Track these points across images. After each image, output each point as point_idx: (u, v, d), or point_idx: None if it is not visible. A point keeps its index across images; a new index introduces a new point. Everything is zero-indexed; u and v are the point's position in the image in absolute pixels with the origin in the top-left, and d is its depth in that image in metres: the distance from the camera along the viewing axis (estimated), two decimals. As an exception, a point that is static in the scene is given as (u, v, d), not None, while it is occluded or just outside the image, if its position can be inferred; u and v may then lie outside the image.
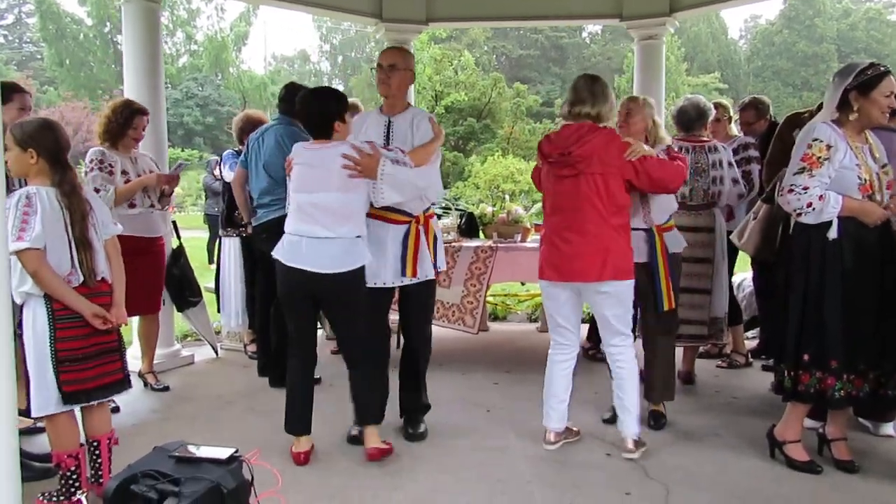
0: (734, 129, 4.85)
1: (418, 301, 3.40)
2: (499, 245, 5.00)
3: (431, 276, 3.35)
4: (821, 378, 2.90)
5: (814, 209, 2.85)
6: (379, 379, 3.35)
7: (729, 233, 4.31)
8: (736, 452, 3.29)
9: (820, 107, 4.10)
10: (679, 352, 4.36)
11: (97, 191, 3.79)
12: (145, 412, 3.93)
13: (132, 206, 4.08)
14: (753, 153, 4.59)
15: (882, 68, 2.91)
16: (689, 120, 4.15)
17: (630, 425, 3.23)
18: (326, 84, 50.38)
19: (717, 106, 4.77)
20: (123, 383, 2.76)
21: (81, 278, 2.64)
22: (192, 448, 2.15)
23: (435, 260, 3.36)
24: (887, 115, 2.92)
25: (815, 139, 2.87)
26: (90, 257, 2.67)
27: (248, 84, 38.89)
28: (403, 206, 3.21)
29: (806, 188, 2.85)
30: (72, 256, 2.62)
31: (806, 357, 2.92)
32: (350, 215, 3.04)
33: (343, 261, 3.01)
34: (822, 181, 2.85)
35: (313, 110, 3.14)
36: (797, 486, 2.94)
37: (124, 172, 4.05)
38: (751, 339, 5.30)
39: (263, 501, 2.30)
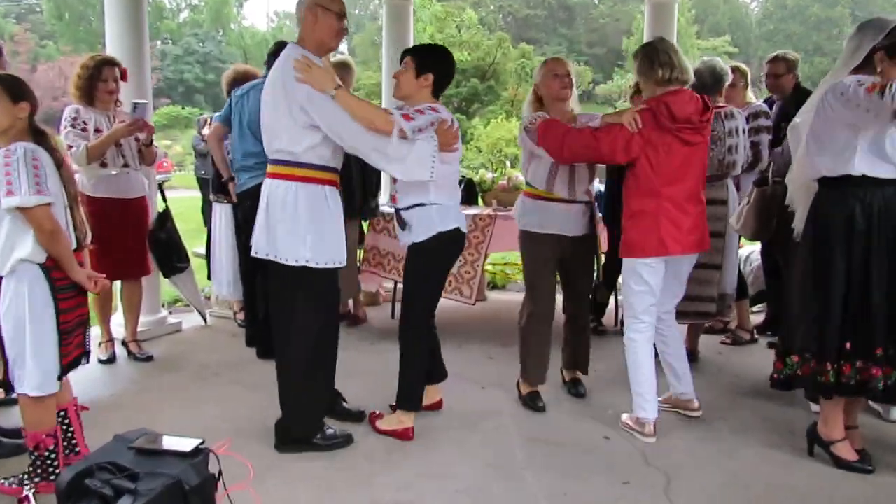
0: (750, 95, 4.60)
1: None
2: (498, 213, 4.81)
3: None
4: (862, 368, 2.67)
5: None
6: None
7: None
8: (739, 437, 3.14)
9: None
10: (682, 328, 4.23)
11: (70, 147, 3.61)
12: (124, 382, 3.79)
13: (104, 165, 3.87)
14: (764, 122, 4.35)
15: None
16: (704, 85, 3.88)
17: (689, 385, 3.35)
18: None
19: (735, 70, 4.50)
20: (87, 355, 2.63)
21: (75, 243, 2.50)
22: (154, 438, 2.00)
23: None
24: None
25: (859, 82, 2.54)
26: (81, 217, 2.54)
27: (250, 41, 38.32)
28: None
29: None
30: (66, 220, 2.48)
31: (848, 346, 2.68)
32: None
33: None
34: None
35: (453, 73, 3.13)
36: (806, 473, 2.80)
37: (98, 130, 3.84)
38: (756, 314, 5.13)
39: (234, 495, 2.14)
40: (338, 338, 3.04)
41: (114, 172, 3.91)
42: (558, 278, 3.60)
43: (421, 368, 3.10)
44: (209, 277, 5.10)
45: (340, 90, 2.72)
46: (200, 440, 1.97)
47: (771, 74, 4.55)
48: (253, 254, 2.91)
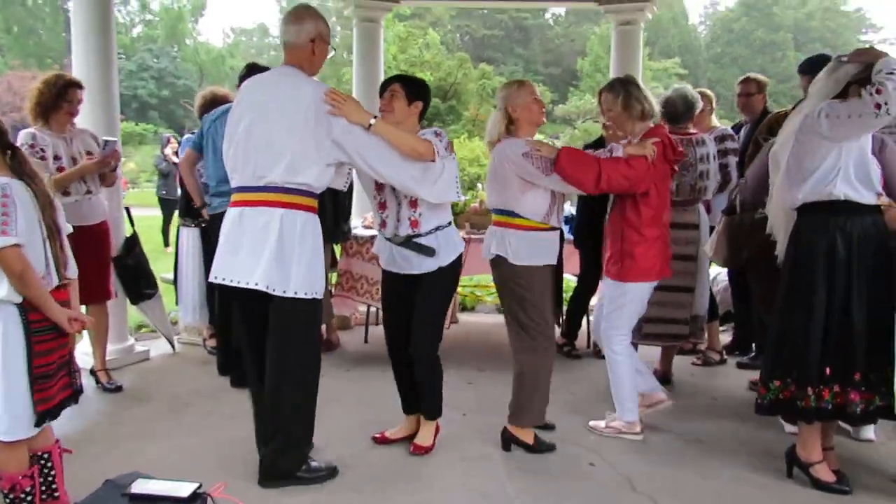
0: (715, 119, 4.74)
1: None
2: (472, 236, 4.81)
3: None
4: (839, 392, 2.75)
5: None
6: None
7: (710, 227, 4.21)
8: (720, 459, 3.19)
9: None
10: (657, 350, 4.29)
11: None
12: (95, 415, 3.65)
13: (66, 193, 3.73)
14: (731, 145, 4.48)
15: None
16: (677, 113, 3.99)
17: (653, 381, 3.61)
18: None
19: (701, 96, 4.64)
20: (76, 396, 2.51)
21: (56, 281, 2.35)
22: (146, 482, 1.92)
23: None
24: None
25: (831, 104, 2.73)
26: (62, 252, 2.40)
27: (206, 57, 37.84)
28: None
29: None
30: (45, 255, 2.32)
31: (827, 371, 2.75)
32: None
33: None
34: None
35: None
36: (786, 495, 2.85)
37: (57, 157, 3.73)
38: (722, 333, 5.23)
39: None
40: None
41: (76, 200, 3.80)
42: None
43: (441, 382, 3.23)
44: (176, 303, 4.98)
45: (378, 120, 2.72)
46: (197, 484, 1.90)
47: (742, 94, 4.70)
48: (263, 287, 2.66)
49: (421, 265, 3.00)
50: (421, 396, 3.23)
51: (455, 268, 3.10)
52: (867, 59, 2.69)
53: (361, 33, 6.30)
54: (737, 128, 4.86)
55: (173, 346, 4.82)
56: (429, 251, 2.95)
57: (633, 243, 3.25)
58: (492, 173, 3.24)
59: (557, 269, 3.54)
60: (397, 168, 2.73)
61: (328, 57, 2.89)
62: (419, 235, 2.97)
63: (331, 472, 2.94)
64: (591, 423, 3.53)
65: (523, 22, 43.96)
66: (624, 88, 3.33)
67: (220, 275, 2.78)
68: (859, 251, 2.70)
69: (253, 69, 4.12)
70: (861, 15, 44.69)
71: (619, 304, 3.36)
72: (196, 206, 4.31)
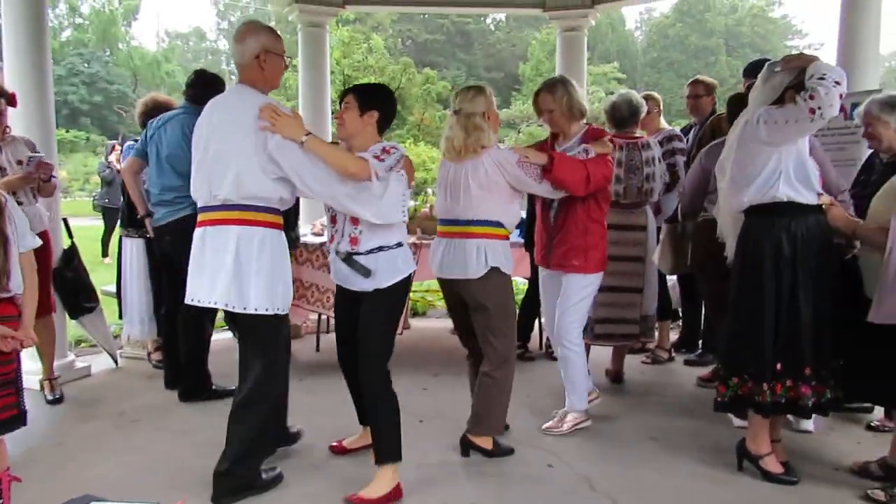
0: (663, 121, 4.85)
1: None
2: (423, 242, 4.80)
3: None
4: (791, 387, 2.85)
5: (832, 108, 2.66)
6: None
7: (658, 229, 4.32)
8: (674, 455, 3.26)
9: (731, 108, 4.17)
10: (608, 350, 4.37)
11: None
12: (36, 435, 3.47)
13: None
14: (678, 145, 4.62)
15: None
16: (623, 117, 4.09)
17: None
18: (227, 65, 48.52)
19: (648, 99, 4.75)
20: (19, 419, 2.38)
21: None
22: (103, 506, 1.84)
23: None
24: None
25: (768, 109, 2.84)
26: (6, 263, 2.30)
27: (140, 61, 36.75)
28: None
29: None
30: None
31: (779, 366, 2.85)
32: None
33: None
34: None
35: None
36: (739, 488, 2.93)
37: None
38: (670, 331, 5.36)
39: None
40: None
41: None
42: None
43: (397, 417, 2.87)
44: (120, 317, 4.80)
45: (311, 137, 2.64)
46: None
47: (691, 96, 4.82)
48: (223, 306, 2.68)
49: (357, 284, 2.85)
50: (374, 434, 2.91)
51: (396, 292, 2.84)
52: (798, 65, 2.81)
53: (307, 38, 6.23)
54: (687, 129, 4.98)
55: (116, 361, 4.65)
56: (364, 271, 2.79)
57: (598, 236, 3.41)
58: (476, 182, 3.08)
59: None
60: (332, 187, 2.63)
61: (285, 67, 2.85)
62: (358, 254, 2.80)
63: (277, 478, 2.92)
64: (545, 425, 3.55)
65: (465, 27, 44.26)
66: (566, 89, 3.40)
67: (189, 295, 2.78)
68: (804, 250, 2.81)
69: (202, 75, 4.04)
70: (787, 22, 46.58)
71: (584, 296, 3.48)
72: (139, 216, 4.16)
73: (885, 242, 2.65)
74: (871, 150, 3.48)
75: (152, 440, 3.43)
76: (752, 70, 3.80)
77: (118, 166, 7.81)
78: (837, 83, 2.63)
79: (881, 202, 2.85)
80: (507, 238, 3.19)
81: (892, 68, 43.65)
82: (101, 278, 5.44)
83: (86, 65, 35.95)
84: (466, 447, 3.24)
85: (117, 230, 4.99)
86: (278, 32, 2.90)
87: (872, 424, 3.57)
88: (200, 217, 2.77)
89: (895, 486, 2.78)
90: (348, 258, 2.81)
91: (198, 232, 2.77)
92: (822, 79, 2.64)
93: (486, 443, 3.23)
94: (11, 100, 3.75)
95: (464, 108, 3.12)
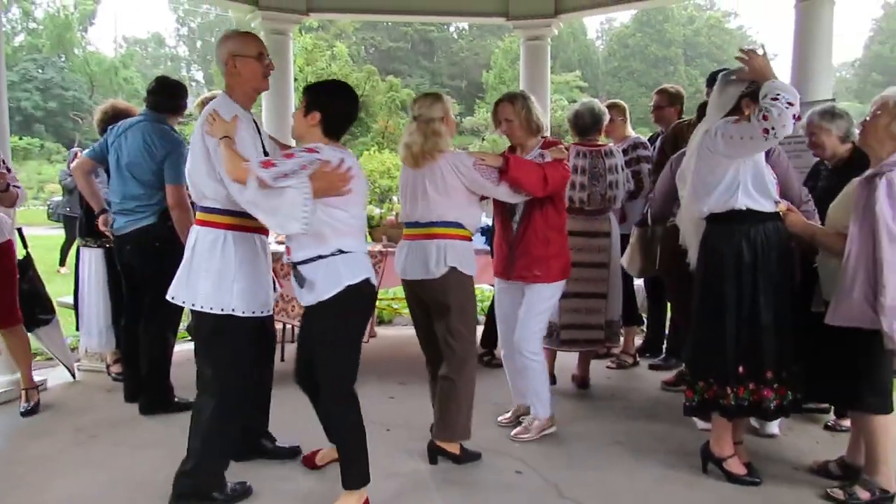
0: (629, 129, 4.92)
1: None
2: (389, 249, 4.78)
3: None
4: (754, 390, 2.91)
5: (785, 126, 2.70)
6: None
7: (622, 235, 4.37)
8: (641, 459, 3.29)
9: (700, 116, 4.25)
10: (574, 356, 4.40)
11: None
12: (-10, 453, 3.37)
13: None
14: (643, 153, 4.68)
15: None
16: (585, 125, 4.14)
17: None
18: (187, 71, 47.84)
19: (613, 107, 4.82)
20: None
21: None
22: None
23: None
24: None
25: (727, 122, 2.89)
26: None
27: (97, 67, 36.02)
28: None
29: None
30: None
31: (741, 370, 2.91)
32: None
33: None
34: None
35: (353, 111, 2.85)
36: (705, 490, 2.97)
37: None
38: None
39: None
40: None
41: None
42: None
43: (361, 439, 2.74)
44: (77, 328, 4.68)
45: (224, 140, 2.59)
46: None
47: (655, 106, 4.88)
48: (171, 298, 2.77)
49: (302, 297, 2.71)
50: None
51: (342, 304, 2.62)
52: (752, 77, 2.87)
53: (270, 46, 6.10)
54: (654, 138, 5.05)
55: (73, 374, 4.52)
56: (300, 280, 2.67)
57: (558, 245, 3.42)
58: (433, 186, 3.11)
59: None
60: (240, 192, 2.53)
61: (266, 66, 2.85)
62: (297, 263, 2.67)
63: (245, 492, 2.87)
64: (513, 433, 3.56)
65: (428, 35, 44.44)
66: (525, 103, 3.44)
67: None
68: (764, 256, 2.87)
69: (164, 82, 3.97)
70: (743, 32, 47.87)
71: (547, 307, 3.49)
72: (95, 213, 4.06)
73: (843, 248, 2.72)
74: (817, 158, 3.65)
75: (112, 455, 3.33)
76: (713, 80, 3.88)
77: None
78: (790, 104, 2.68)
79: (839, 208, 2.92)
80: (469, 239, 3.22)
81: (842, 78, 45.12)
82: (57, 289, 5.31)
83: (40, 70, 35.12)
84: (434, 453, 3.23)
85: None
86: (253, 34, 2.92)
87: (829, 424, 3.66)
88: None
89: (854, 485, 2.84)
90: (293, 268, 2.71)
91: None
92: (775, 99, 2.69)
93: (453, 448, 3.23)
94: None
95: (423, 114, 3.15)
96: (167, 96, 3.87)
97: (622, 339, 4.76)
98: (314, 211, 2.51)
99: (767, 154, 3.18)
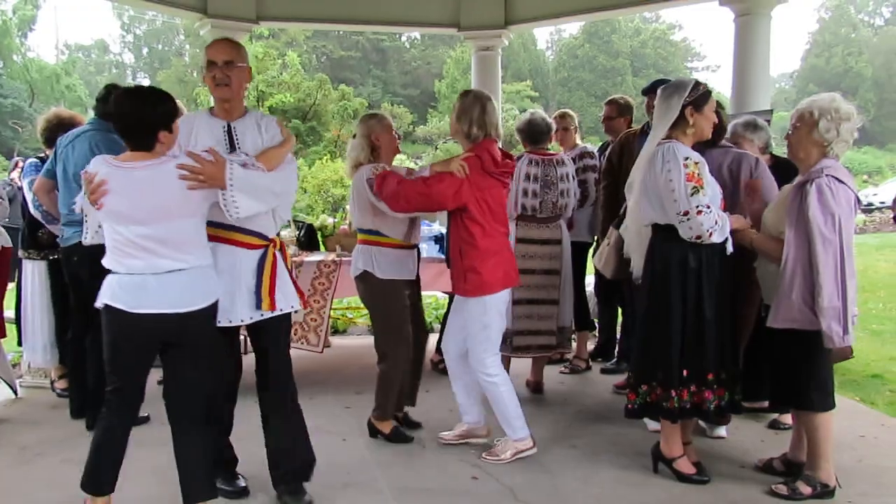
0: (577, 138, 5.01)
1: (276, 335, 2.90)
2: (343, 258, 4.77)
3: (296, 306, 2.90)
4: (695, 392, 3.00)
5: (719, 226, 2.89)
6: (210, 442, 2.74)
7: (572, 243, 4.45)
8: (594, 462, 3.36)
9: (646, 125, 4.38)
10: (528, 362, 4.45)
11: None
12: (-74, 476, 3.23)
13: None
14: (590, 162, 4.78)
15: (703, 85, 3.02)
16: (540, 132, 4.22)
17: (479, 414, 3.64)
18: (133, 78, 46.77)
19: (565, 115, 4.92)
20: None
21: None
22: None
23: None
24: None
25: (686, 157, 2.91)
26: None
27: (38, 74, 34.86)
28: (255, 225, 2.78)
29: (709, 206, 2.87)
30: None
31: (685, 373, 3.00)
32: (198, 240, 2.57)
33: (200, 295, 2.53)
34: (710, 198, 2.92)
35: (128, 114, 2.50)
36: (656, 489, 3.06)
37: None
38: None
39: None
40: None
41: None
42: None
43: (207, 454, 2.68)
44: (19, 343, 4.53)
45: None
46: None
47: (605, 117, 4.97)
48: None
49: None
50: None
51: (205, 319, 2.58)
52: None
53: (219, 53, 6.10)
54: (603, 147, 5.15)
55: (15, 392, 4.37)
56: None
57: (471, 258, 3.29)
58: (354, 197, 3.54)
59: (419, 285, 3.79)
60: None
61: (213, 77, 2.76)
62: None
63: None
64: (485, 454, 3.41)
65: (380, 44, 44.41)
66: (471, 103, 3.36)
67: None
68: (708, 262, 2.97)
69: (113, 90, 3.89)
70: (687, 45, 49.23)
71: (485, 324, 3.34)
72: (47, 242, 3.95)
73: (780, 253, 2.83)
74: None
75: (60, 473, 3.23)
76: (650, 88, 4.00)
77: (20, 183, 7.40)
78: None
79: (774, 213, 3.04)
80: (389, 245, 3.50)
81: (781, 89, 46.83)
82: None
83: (-24, 77, 33.82)
84: (373, 430, 3.67)
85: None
86: (217, 42, 2.88)
87: (773, 422, 3.79)
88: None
89: (796, 480, 2.96)
90: None
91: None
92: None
93: (385, 427, 3.63)
94: None
95: (355, 131, 3.60)
96: (106, 103, 3.80)
97: (574, 344, 4.85)
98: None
99: (756, 165, 3.37)
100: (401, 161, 20.85)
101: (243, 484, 3.02)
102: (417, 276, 3.70)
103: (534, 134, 4.23)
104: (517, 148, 4.69)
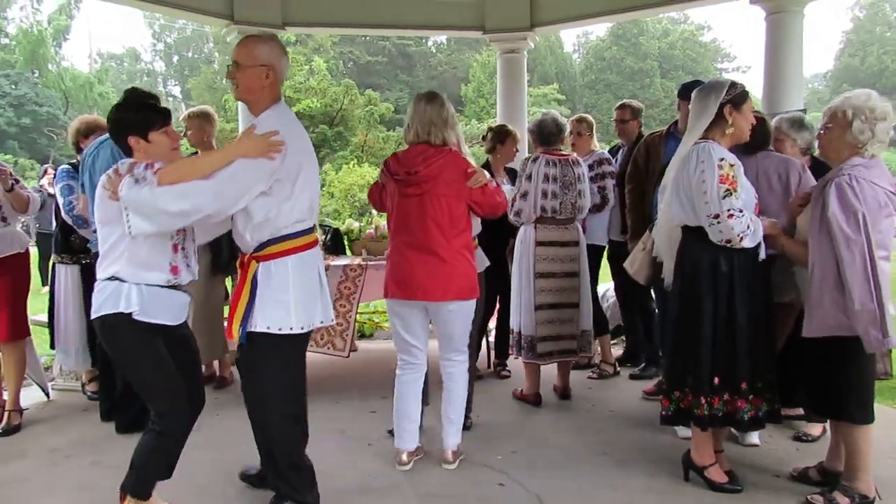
0: (595, 143, 4.97)
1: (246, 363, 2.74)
2: (369, 263, 4.77)
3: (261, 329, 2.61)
4: (728, 400, 2.92)
5: (751, 230, 2.82)
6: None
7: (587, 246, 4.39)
8: (623, 470, 3.29)
9: (672, 126, 4.30)
10: (553, 367, 4.40)
11: None
12: (-39, 477, 3.29)
13: None
14: (608, 168, 4.74)
15: (740, 85, 2.95)
16: (551, 133, 4.18)
17: (453, 436, 3.34)
18: (164, 86, 47.57)
19: (581, 120, 4.88)
20: None
21: None
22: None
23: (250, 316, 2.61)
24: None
25: (721, 158, 2.83)
26: None
27: (72, 83, 35.64)
28: (238, 242, 2.71)
29: (741, 210, 2.80)
30: None
31: (716, 380, 2.92)
32: (106, 252, 2.59)
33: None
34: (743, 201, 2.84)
35: (110, 119, 2.65)
36: (686, 498, 2.98)
37: None
38: (614, 346, 5.45)
39: None
40: None
41: None
42: None
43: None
44: (52, 346, 4.60)
45: None
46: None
47: (618, 120, 4.94)
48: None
49: None
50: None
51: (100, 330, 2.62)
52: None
53: (246, 59, 6.16)
54: (614, 150, 5.11)
55: (47, 394, 4.44)
56: None
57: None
58: None
59: None
60: None
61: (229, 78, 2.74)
62: None
63: None
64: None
65: (406, 49, 44.59)
66: (412, 105, 3.31)
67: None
68: (740, 266, 2.88)
69: (131, 94, 3.93)
70: (717, 45, 48.59)
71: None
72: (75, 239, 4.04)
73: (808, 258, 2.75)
74: None
75: (89, 475, 3.28)
76: (685, 91, 3.92)
77: (50, 190, 7.57)
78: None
79: (804, 217, 2.95)
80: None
81: (814, 89, 46.00)
82: (35, 308, 5.21)
83: (13, 86, 34.67)
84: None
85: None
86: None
87: (798, 435, 3.65)
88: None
89: (833, 491, 2.86)
90: None
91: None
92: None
93: None
94: None
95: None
96: None
97: (597, 348, 4.78)
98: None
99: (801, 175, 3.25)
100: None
101: None
102: None
103: (544, 135, 4.18)
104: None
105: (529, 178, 4.06)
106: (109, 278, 2.56)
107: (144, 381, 2.63)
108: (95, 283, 2.61)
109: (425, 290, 3.13)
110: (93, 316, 2.60)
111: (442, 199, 3.12)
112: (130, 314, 2.52)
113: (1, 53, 36.42)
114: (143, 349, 2.57)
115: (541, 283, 4.08)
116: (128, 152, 2.66)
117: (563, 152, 4.24)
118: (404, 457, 3.30)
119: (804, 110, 5.28)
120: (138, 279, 2.55)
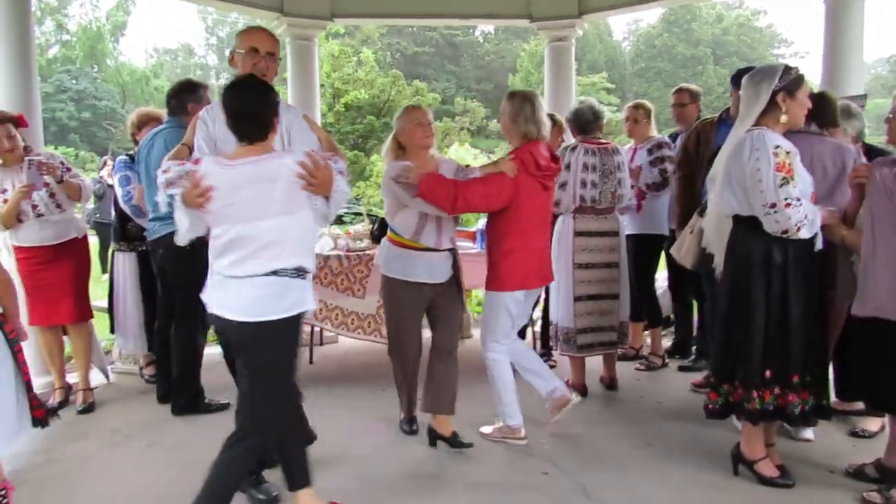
0: (653, 129, 4.88)
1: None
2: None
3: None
4: (780, 394, 2.86)
5: (809, 220, 2.73)
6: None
7: (645, 235, 4.32)
8: (669, 463, 3.25)
9: (724, 112, 4.20)
10: (600, 358, 4.35)
11: None
12: (26, 453, 3.44)
13: (20, 220, 3.89)
14: (667, 152, 4.64)
15: (794, 70, 2.87)
16: (588, 121, 4.13)
17: (549, 380, 3.57)
18: (216, 79, 48.51)
19: (639, 107, 4.80)
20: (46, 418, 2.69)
21: None
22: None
23: None
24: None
25: (777, 146, 2.74)
26: None
27: (129, 77, 36.77)
28: None
29: (799, 199, 2.71)
30: None
31: (768, 373, 2.85)
32: (296, 243, 2.44)
33: (269, 306, 2.38)
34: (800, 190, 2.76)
35: (243, 108, 2.40)
36: (735, 492, 2.93)
37: (3, 190, 3.83)
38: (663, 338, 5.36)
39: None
40: None
41: (30, 223, 3.91)
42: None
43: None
44: (112, 331, 4.77)
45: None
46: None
47: (676, 104, 4.84)
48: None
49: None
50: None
51: (268, 333, 2.47)
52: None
53: (296, 52, 6.25)
54: (673, 137, 5.01)
55: (107, 377, 4.61)
56: None
57: (494, 255, 3.35)
58: (383, 194, 3.50)
59: (456, 287, 3.49)
60: None
61: (257, 63, 2.78)
62: None
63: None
64: (481, 428, 3.59)
65: (453, 39, 44.52)
66: (521, 103, 3.32)
67: None
68: (794, 257, 2.80)
69: (185, 85, 4.05)
70: (773, 31, 47.14)
71: (492, 313, 3.43)
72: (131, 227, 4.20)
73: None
74: None
75: (146, 457, 3.40)
76: (738, 79, 3.81)
77: (109, 181, 7.84)
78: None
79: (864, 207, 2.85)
80: (397, 243, 3.39)
81: (877, 75, 44.19)
82: (96, 294, 5.40)
83: (74, 81, 35.89)
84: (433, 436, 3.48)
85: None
86: (257, 30, 2.93)
87: (854, 430, 3.54)
88: None
89: (891, 488, 2.78)
90: None
91: None
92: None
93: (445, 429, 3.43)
94: (20, 121, 3.94)
95: None
96: (174, 99, 3.96)
97: (647, 340, 4.72)
98: (192, 223, 2.45)
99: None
100: (474, 156, 20.93)
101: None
102: (454, 281, 3.46)
103: (580, 123, 4.13)
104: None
105: (568, 167, 4.00)
106: (297, 270, 2.43)
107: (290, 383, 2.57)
108: (269, 277, 2.38)
109: (548, 275, 3.52)
110: (288, 314, 2.40)
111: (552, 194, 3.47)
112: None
113: (62, 50, 37.75)
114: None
115: (580, 274, 4.03)
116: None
117: (602, 140, 4.18)
118: (523, 431, 3.45)
119: (865, 96, 5.09)
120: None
